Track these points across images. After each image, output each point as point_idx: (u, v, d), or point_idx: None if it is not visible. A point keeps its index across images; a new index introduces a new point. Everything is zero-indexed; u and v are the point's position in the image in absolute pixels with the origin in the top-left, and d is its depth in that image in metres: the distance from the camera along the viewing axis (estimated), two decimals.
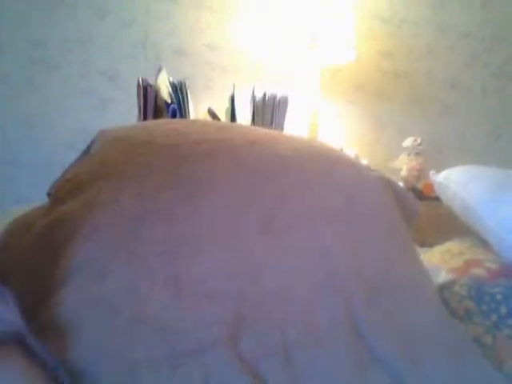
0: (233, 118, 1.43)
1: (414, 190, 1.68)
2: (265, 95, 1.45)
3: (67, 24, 1.74)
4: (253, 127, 1.23)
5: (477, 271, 0.76)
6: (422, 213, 0.77)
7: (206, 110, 1.59)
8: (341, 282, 0.52)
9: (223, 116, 1.57)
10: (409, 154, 1.77)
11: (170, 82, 1.36)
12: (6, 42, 1.69)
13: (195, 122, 1.07)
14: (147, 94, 1.33)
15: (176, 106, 1.32)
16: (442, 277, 0.74)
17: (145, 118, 1.33)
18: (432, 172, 1.10)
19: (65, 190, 0.59)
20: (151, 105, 1.33)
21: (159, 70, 1.45)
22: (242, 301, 0.47)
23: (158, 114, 1.36)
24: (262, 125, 1.44)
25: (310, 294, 0.50)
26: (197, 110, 1.57)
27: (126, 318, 0.43)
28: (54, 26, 1.73)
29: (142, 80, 1.34)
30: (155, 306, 0.45)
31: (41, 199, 0.69)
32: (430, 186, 1.23)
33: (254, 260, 0.51)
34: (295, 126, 1.66)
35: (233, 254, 0.52)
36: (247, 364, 0.41)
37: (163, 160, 0.60)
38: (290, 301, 0.48)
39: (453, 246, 0.94)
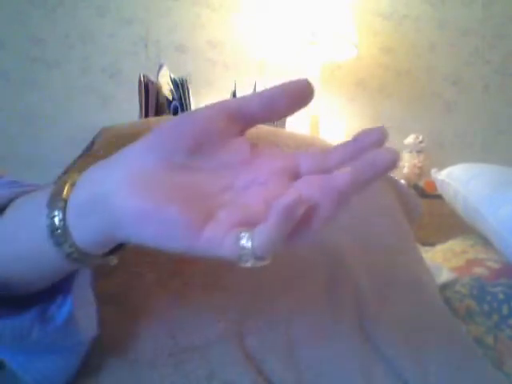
0: None
1: (415, 187, 1.68)
2: None
3: (67, 21, 1.74)
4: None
5: (478, 270, 0.76)
6: (423, 211, 0.77)
7: None
8: (346, 279, 0.52)
9: None
10: (410, 152, 1.77)
11: (171, 79, 1.36)
12: (7, 40, 1.69)
13: None
14: (148, 91, 1.32)
15: (177, 103, 1.32)
16: (444, 276, 0.74)
17: (146, 115, 1.33)
18: (434, 170, 1.10)
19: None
20: (152, 102, 1.33)
21: (160, 67, 1.45)
22: (247, 296, 0.47)
23: (159, 111, 1.36)
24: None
25: (316, 291, 0.50)
26: (198, 107, 1.57)
27: (129, 313, 0.43)
28: (54, 23, 1.73)
29: (144, 77, 1.34)
30: (160, 300, 0.45)
31: None
32: (432, 183, 1.23)
33: None
34: (296, 123, 1.66)
35: None
36: (252, 360, 0.41)
37: None
38: (295, 297, 0.48)
39: (455, 244, 0.94)
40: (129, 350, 0.41)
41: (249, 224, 0.25)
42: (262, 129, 0.79)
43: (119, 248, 0.33)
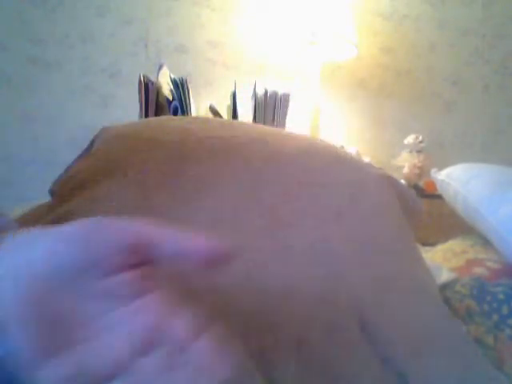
0: (234, 114, 1.43)
1: (415, 187, 1.68)
2: (266, 92, 1.45)
3: (67, 22, 1.74)
4: (254, 124, 1.23)
5: (478, 270, 0.76)
6: (424, 211, 0.77)
7: (208, 107, 1.59)
8: (347, 280, 0.52)
9: (224, 113, 1.57)
10: (410, 152, 1.77)
11: (171, 79, 1.36)
12: (7, 40, 1.69)
13: (197, 119, 1.07)
14: (148, 91, 1.33)
15: (177, 103, 1.32)
16: (444, 276, 0.74)
17: (146, 115, 1.33)
18: (433, 170, 1.10)
19: (68, 187, 0.59)
20: (152, 102, 1.33)
21: (160, 67, 1.45)
22: (247, 297, 0.47)
23: (159, 111, 1.36)
24: (264, 122, 1.44)
25: (317, 292, 0.50)
26: (198, 107, 1.57)
27: None
28: (54, 23, 1.73)
29: (144, 77, 1.34)
30: None
31: (42, 197, 0.69)
32: (432, 183, 1.23)
33: (258, 257, 0.51)
34: (296, 123, 1.66)
35: (237, 251, 0.52)
36: (254, 361, 0.41)
37: (166, 157, 0.60)
38: (296, 299, 0.48)
39: (455, 244, 0.94)
40: None
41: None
42: (262, 129, 0.79)
43: None
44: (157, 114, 1.35)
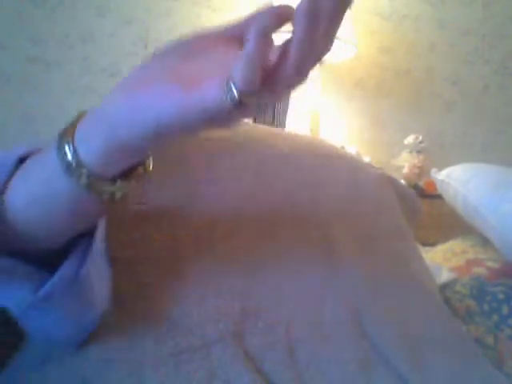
0: None
1: (415, 187, 1.68)
2: None
3: (67, 21, 1.74)
4: (254, 124, 1.23)
5: (478, 270, 0.77)
6: (423, 211, 0.77)
7: None
8: (346, 279, 0.52)
9: None
10: (410, 152, 1.77)
11: None
12: (6, 40, 1.69)
13: None
14: None
15: None
16: (444, 276, 0.74)
17: None
18: (433, 170, 1.10)
19: None
20: None
21: None
22: (247, 296, 0.47)
23: None
24: (264, 122, 1.44)
25: (315, 291, 0.50)
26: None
27: (131, 315, 0.43)
28: (54, 23, 1.73)
29: None
30: (161, 301, 0.45)
31: None
32: (432, 183, 1.23)
33: (257, 255, 0.52)
34: (296, 124, 1.66)
35: (237, 250, 0.52)
36: (252, 360, 0.41)
37: (167, 158, 0.60)
38: (294, 297, 0.48)
39: (455, 244, 0.94)
40: (129, 350, 0.41)
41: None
42: (262, 129, 0.79)
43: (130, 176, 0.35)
44: None
